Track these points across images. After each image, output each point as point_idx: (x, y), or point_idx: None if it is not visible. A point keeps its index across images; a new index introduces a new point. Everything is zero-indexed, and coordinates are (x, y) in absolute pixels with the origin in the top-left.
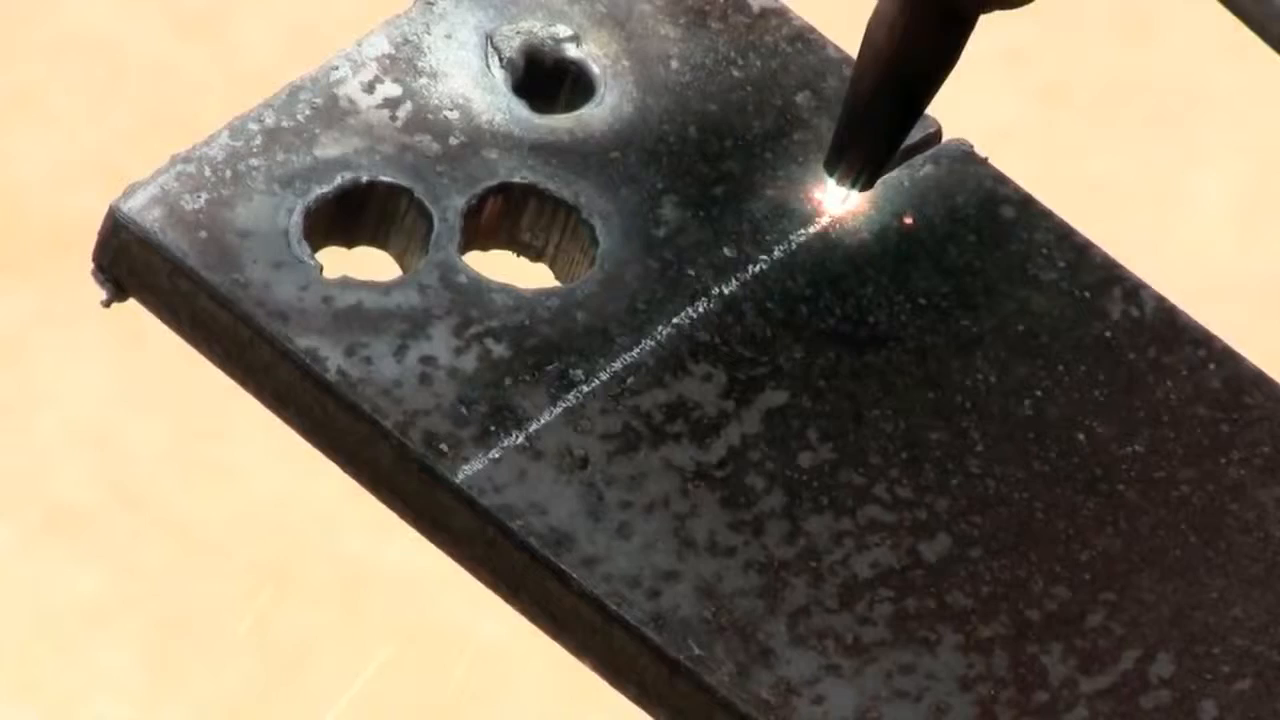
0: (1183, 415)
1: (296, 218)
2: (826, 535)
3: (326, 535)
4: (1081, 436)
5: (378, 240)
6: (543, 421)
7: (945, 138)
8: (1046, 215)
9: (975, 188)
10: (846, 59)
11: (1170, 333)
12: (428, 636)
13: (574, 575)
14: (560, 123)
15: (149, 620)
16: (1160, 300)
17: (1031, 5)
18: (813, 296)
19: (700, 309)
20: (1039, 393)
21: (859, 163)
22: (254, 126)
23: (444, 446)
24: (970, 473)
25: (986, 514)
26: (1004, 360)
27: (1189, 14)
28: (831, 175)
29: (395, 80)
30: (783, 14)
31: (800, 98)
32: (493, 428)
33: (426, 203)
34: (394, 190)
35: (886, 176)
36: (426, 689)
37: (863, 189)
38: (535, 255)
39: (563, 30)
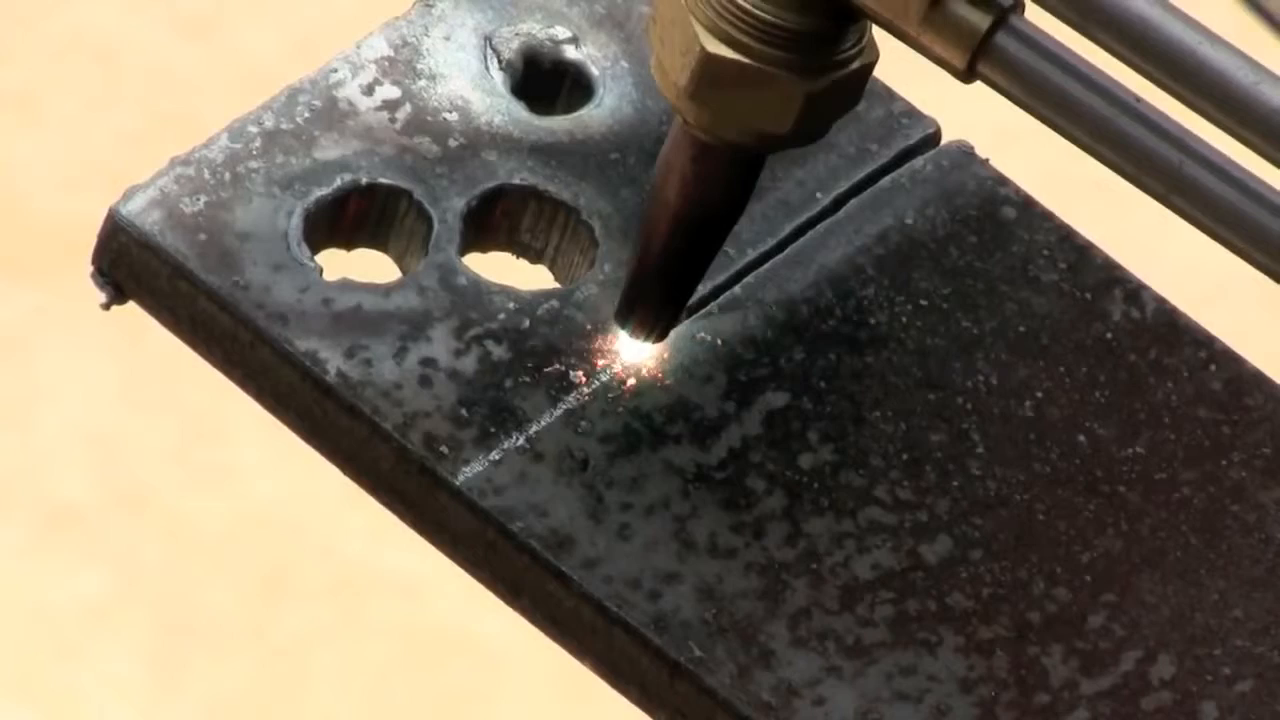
0: (1184, 417)
1: (296, 220)
2: (827, 537)
3: (327, 536)
4: (1082, 438)
5: (377, 242)
6: (543, 423)
7: (946, 138)
8: (1047, 216)
9: (976, 189)
10: None
11: (1171, 334)
12: (428, 637)
13: (575, 577)
14: (559, 124)
15: (149, 620)
16: (1161, 301)
17: (1033, 4)
18: (814, 297)
19: (700, 309)
20: (1040, 394)
21: (652, 317)
22: (253, 129)
23: (444, 448)
24: (971, 474)
25: (987, 515)
26: (1005, 361)
27: (1189, 13)
28: (624, 329)
29: (394, 82)
30: None
31: None
32: (493, 429)
33: (426, 204)
34: (393, 192)
35: (885, 179)
36: (427, 689)
37: (656, 341)
38: (535, 257)
39: (561, 32)
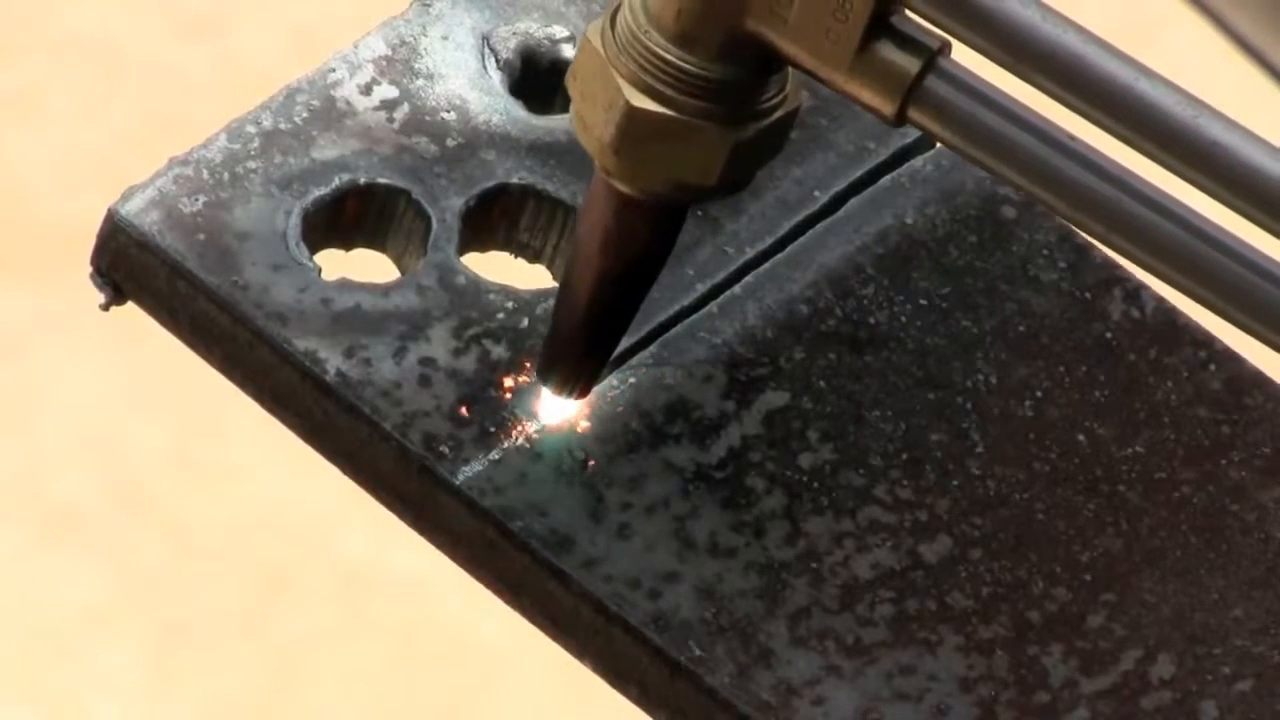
0: (1183, 416)
1: (294, 220)
2: (827, 536)
3: (326, 537)
4: (1082, 437)
5: (376, 242)
6: (543, 423)
7: None
8: (1047, 216)
9: (976, 188)
10: None
11: (1171, 333)
12: (428, 637)
13: (574, 576)
14: (557, 123)
15: (149, 621)
16: (1161, 301)
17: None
18: (814, 297)
19: (700, 309)
20: (1039, 393)
21: (575, 374)
22: (251, 129)
23: (444, 448)
24: (970, 474)
25: (987, 515)
26: (1004, 361)
27: (1188, 13)
28: (545, 385)
29: (392, 82)
30: None
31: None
32: (492, 429)
33: (424, 204)
34: (392, 191)
35: (885, 178)
36: (427, 689)
37: (579, 396)
38: (533, 256)
39: (559, 31)
